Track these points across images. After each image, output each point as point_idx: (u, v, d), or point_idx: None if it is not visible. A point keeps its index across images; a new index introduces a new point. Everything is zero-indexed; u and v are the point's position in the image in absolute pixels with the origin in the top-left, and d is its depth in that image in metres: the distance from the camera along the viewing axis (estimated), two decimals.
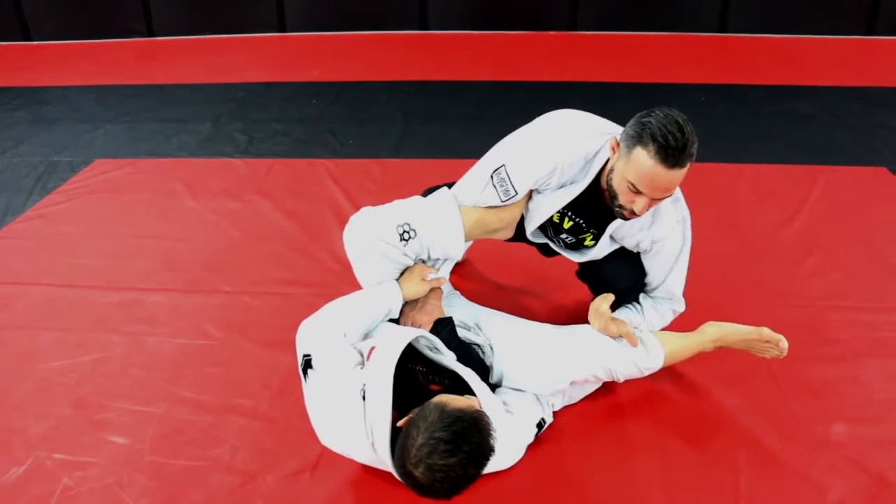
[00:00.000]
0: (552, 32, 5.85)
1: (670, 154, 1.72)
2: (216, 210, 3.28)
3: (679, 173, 1.76)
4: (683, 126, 1.74)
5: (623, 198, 1.86)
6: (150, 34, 6.03)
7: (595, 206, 1.98)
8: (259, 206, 3.30)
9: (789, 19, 5.67)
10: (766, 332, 2.05)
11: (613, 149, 1.87)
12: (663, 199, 1.85)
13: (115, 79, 5.13)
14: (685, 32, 5.73)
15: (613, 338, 2.00)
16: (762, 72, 4.97)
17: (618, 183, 1.85)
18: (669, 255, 2.07)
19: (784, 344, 2.04)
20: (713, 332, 2.10)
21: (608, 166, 1.92)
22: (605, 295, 2.05)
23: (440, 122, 4.24)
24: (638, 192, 1.81)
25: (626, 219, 1.93)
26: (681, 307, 2.20)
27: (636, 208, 1.84)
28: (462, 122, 4.18)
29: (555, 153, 1.97)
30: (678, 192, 2.02)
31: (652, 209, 1.96)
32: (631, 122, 1.81)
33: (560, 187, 2.02)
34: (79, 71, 5.33)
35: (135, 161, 3.81)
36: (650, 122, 1.75)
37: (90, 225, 3.20)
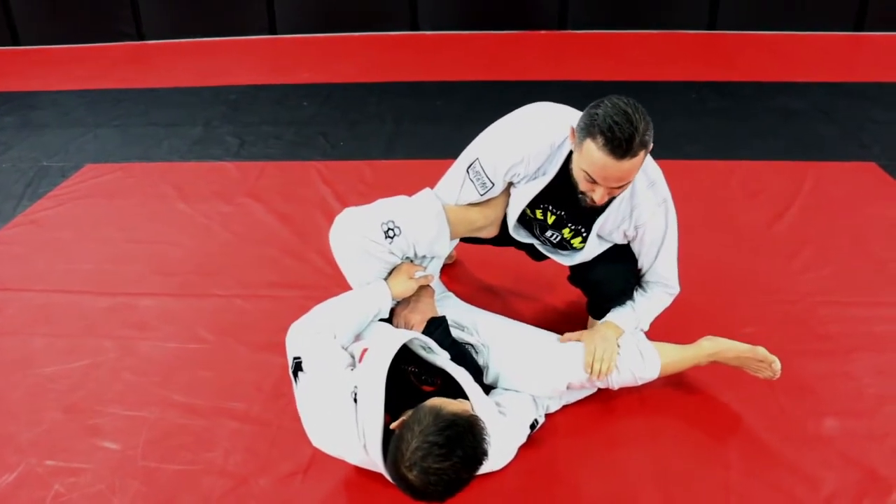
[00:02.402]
0: (542, 32, 5.86)
1: (617, 146, 1.72)
2: (207, 213, 3.27)
3: (630, 163, 1.75)
4: (632, 115, 1.72)
5: (582, 186, 1.87)
6: (141, 38, 6.02)
7: (571, 197, 1.98)
8: (251, 209, 3.30)
9: (778, 16, 5.69)
10: (761, 352, 2.06)
11: (571, 138, 1.87)
12: (622, 187, 1.84)
13: (105, 83, 5.11)
14: (675, 30, 5.74)
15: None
16: (752, 68, 4.98)
17: (576, 173, 1.87)
18: (654, 238, 2.06)
19: (777, 366, 2.04)
20: (709, 347, 2.11)
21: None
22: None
23: (431, 122, 4.24)
24: (594, 182, 1.82)
25: (590, 206, 1.93)
26: (675, 289, 2.18)
27: (595, 197, 1.85)
28: (453, 123, 4.18)
29: (522, 143, 2.00)
30: (655, 176, 2.01)
31: (629, 197, 1.97)
32: (583, 113, 1.81)
33: (533, 179, 2.04)
34: (69, 75, 5.32)
35: (126, 165, 3.80)
36: (597, 114, 1.74)
37: (81, 230, 3.19)
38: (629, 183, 1.86)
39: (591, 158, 1.77)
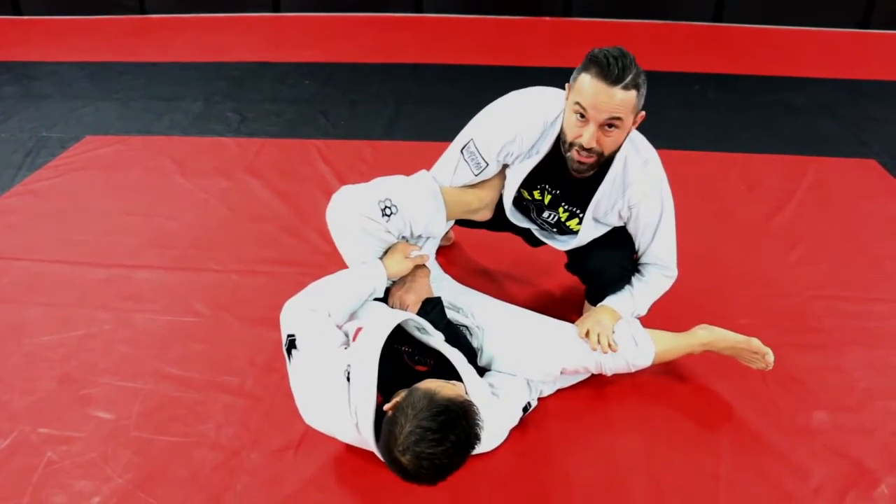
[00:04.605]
0: (547, 18, 5.83)
1: (610, 72, 1.76)
2: (206, 188, 3.27)
3: (621, 95, 1.77)
4: (627, 53, 1.80)
5: (572, 133, 1.87)
6: (143, 11, 5.99)
7: (565, 176, 1.99)
8: (249, 186, 3.29)
9: (784, 11, 5.68)
10: (755, 343, 2.06)
11: (567, 92, 1.89)
12: (610, 126, 1.82)
13: (107, 55, 5.09)
14: (680, 21, 5.72)
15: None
16: (756, 62, 4.97)
17: (567, 116, 1.88)
18: (650, 219, 2.06)
19: (770, 358, 2.05)
20: (704, 336, 2.12)
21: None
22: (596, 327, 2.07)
23: (432, 105, 4.24)
24: (584, 119, 1.82)
25: (579, 168, 1.92)
26: (673, 272, 2.18)
27: (584, 140, 1.84)
28: (454, 106, 4.14)
29: (514, 121, 2.02)
30: (649, 155, 2.01)
31: (622, 175, 1.98)
32: None
33: (528, 158, 2.05)
34: (70, 47, 5.29)
35: (126, 138, 3.79)
36: (594, 51, 1.81)
37: (79, 201, 3.19)
38: (619, 130, 1.84)
39: (584, 88, 1.80)
